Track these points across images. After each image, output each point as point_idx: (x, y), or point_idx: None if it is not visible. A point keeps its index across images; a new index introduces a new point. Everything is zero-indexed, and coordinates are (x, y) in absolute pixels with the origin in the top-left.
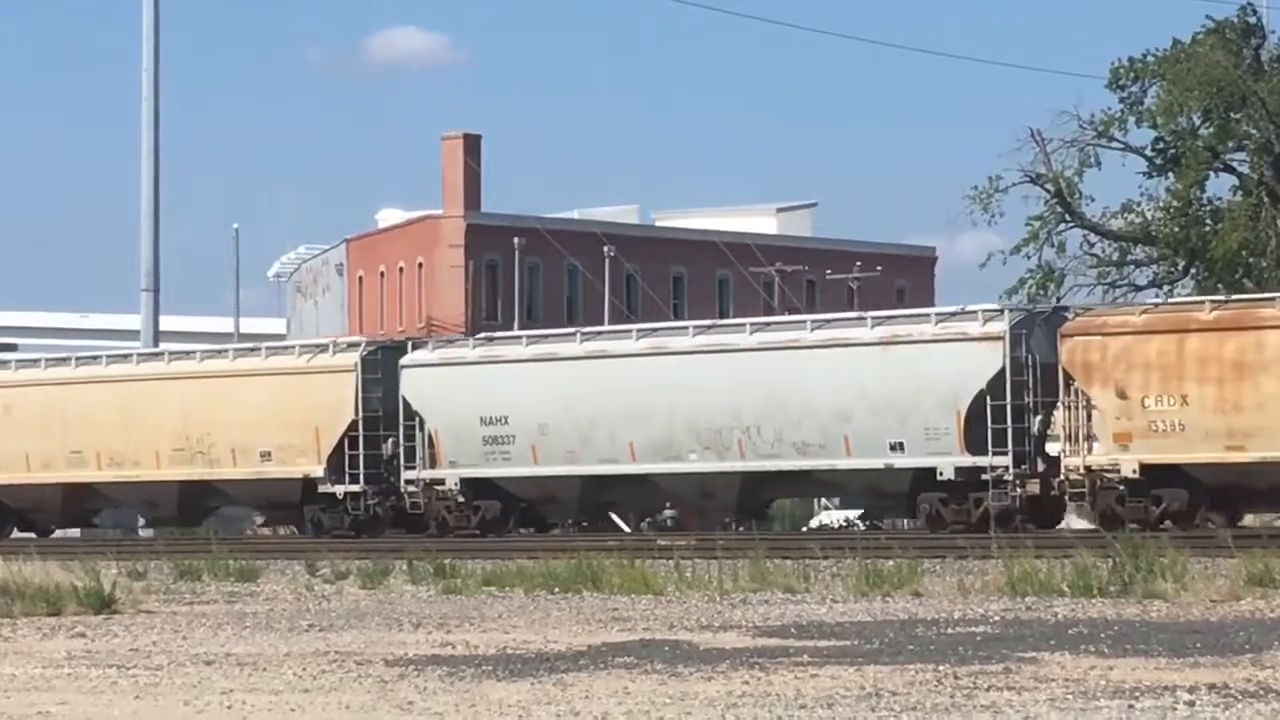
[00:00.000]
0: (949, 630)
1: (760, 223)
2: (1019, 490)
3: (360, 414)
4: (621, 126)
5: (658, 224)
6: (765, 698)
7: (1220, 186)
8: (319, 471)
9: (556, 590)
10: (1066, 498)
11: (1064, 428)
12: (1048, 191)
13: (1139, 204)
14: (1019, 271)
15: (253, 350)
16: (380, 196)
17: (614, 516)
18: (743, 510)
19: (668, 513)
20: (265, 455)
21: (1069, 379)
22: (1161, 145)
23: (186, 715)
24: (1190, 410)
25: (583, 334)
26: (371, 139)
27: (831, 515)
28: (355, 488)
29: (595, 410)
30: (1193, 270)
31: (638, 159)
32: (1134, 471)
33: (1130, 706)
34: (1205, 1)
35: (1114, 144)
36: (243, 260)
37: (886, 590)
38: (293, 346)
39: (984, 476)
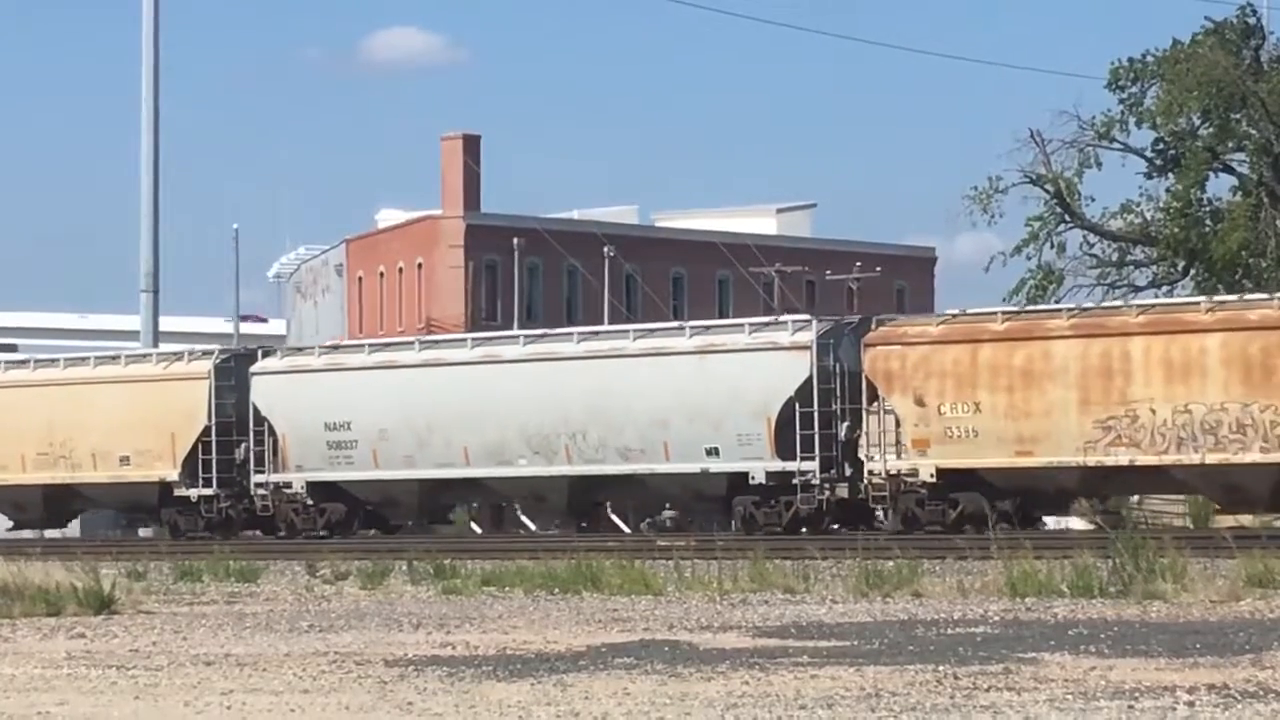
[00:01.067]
0: (949, 631)
1: (760, 223)
2: (827, 493)
3: (213, 420)
4: (621, 126)
5: (658, 224)
6: (765, 698)
7: (1220, 187)
8: (174, 476)
9: (556, 591)
10: (870, 501)
11: (867, 434)
12: (1047, 192)
13: (1139, 205)
14: (1019, 272)
15: (113, 358)
16: (380, 197)
17: (613, 517)
18: (572, 512)
19: (667, 513)
20: (124, 460)
21: (872, 387)
22: (1161, 146)
23: (186, 716)
24: (983, 417)
25: (420, 342)
26: (371, 139)
27: None
28: (209, 491)
29: (432, 416)
30: (1192, 271)
31: (638, 159)
32: (932, 476)
33: (1130, 707)
34: (1205, 2)
35: (1114, 145)
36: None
37: (886, 591)
38: (150, 354)
39: (794, 480)
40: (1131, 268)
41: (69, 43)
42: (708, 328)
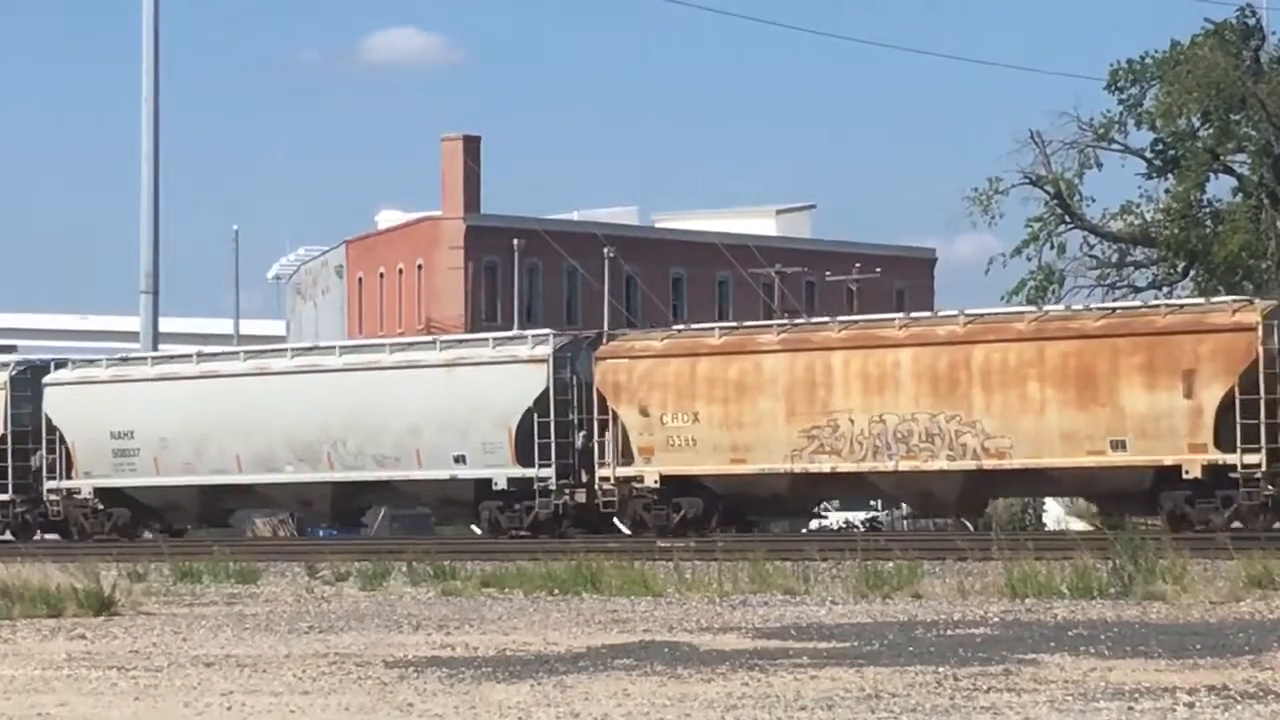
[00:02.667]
0: (949, 632)
1: (760, 224)
2: (564, 498)
3: (9, 429)
4: (621, 126)
5: (657, 225)
6: (765, 699)
7: (1220, 188)
8: None
9: (556, 592)
10: (601, 506)
11: (598, 442)
12: (1047, 193)
13: (1139, 206)
14: (1019, 273)
15: None
16: (380, 197)
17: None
18: (337, 518)
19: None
20: None
21: (602, 398)
22: (1161, 147)
23: (186, 717)
24: (701, 426)
25: (199, 356)
26: (371, 139)
27: (831, 516)
28: (5, 497)
29: (208, 425)
30: (1192, 272)
31: (638, 159)
32: (656, 482)
33: (1130, 708)
34: (1204, 3)
35: (1113, 146)
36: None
37: (886, 592)
38: None
39: (534, 486)
40: (1131, 269)
41: (69, 43)
42: (458, 341)
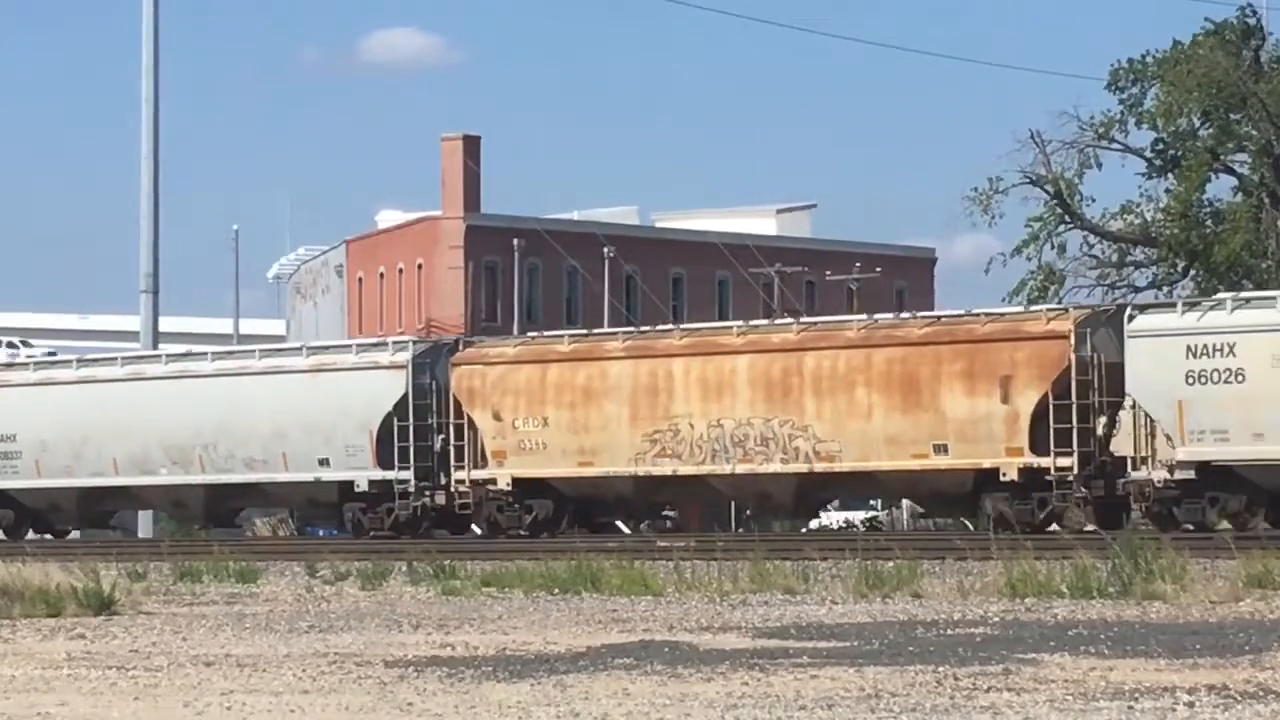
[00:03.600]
0: (949, 631)
1: (760, 224)
2: (424, 500)
3: None
4: (621, 126)
5: (657, 225)
6: (765, 699)
7: (1221, 188)
8: None
9: (556, 591)
10: (456, 508)
11: (453, 445)
12: (1047, 193)
13: (1139, 205)
14: (1019, 273)
15: None
16: (380, 197)
17: (618, 523)
18: (210, 519)
19: (667, 512)
20: None
21: (458, 403)
22: (1161, 147)
23: (186, 716)
24: (550, 430)
25: (79, 361)
26: (371, 139)
27: (831, 516)
28: None
29: (87, 429)
30: (1192, 271)
31: (638, 159)
32: (508, 484)
33: (1130, 708)
34: (1205, 2)
35: (1114, 145)
36: (242, 262)
37: (886, 591)
38: None
39: (394, 488)
40: (1132, 268)
41: (69, 43)
42: (323, 348)
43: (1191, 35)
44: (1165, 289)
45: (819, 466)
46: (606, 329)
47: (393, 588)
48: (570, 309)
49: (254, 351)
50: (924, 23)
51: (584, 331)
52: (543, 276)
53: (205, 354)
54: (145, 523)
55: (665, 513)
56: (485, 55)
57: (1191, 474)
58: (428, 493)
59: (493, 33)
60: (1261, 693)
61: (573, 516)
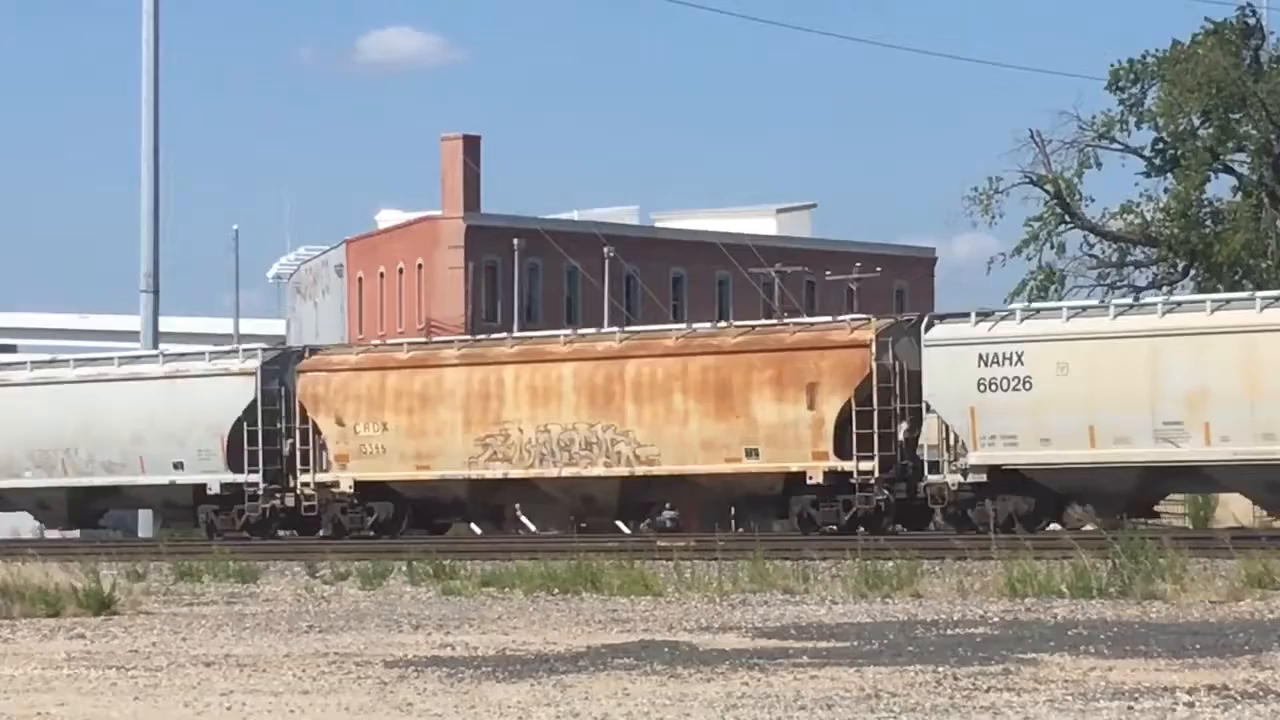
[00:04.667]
0: (948, 631)
1: (760, 223)
2: (274, 502)
3: None
4: (621, 126)
5: (657, 224)
6: (765, 699)
7: (1220, 188)
8: None
9: (556, 591)
10: (302, 510)
11: (299, 450)
12: (1047, 193)
13: (1139, 205)
14: (1019, 273)
15: None
16: (380, 197)
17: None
18: (74, 521)
19: (667, 514)
20: None
21: (304, 409)
22: (1161, 146)
23: (186, 716)
24: (390, 435)
25: None
26: (370, 139)
27: None
28: None
29: None
30: (1192, 271)
31: (638, 159)
32: (350, 487)
33: (1130, 708)
34: (1204, 2)
35: (1114, 145)
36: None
37: (886, 591)
38: None
39: (245, 491)
40: (1132, 268)
41: (69, 43)
42: (179, 356)
43: (1191, 35)
44: (1165, 288)
45: (639, 470)
46: (443, 338)
47: (392, 588)
48: (570, 309)
49: (113, 359)
50: (924, 23)
51: (422, 340)
52: (543, 276)
53: (68, 360)
54: (145, 523)
55: (666, 512)
56: (484, 55)
57: (984, 477)
58: (277, 495)
59: (491, 32)
60: (1261, 693)
61: (412, 518)
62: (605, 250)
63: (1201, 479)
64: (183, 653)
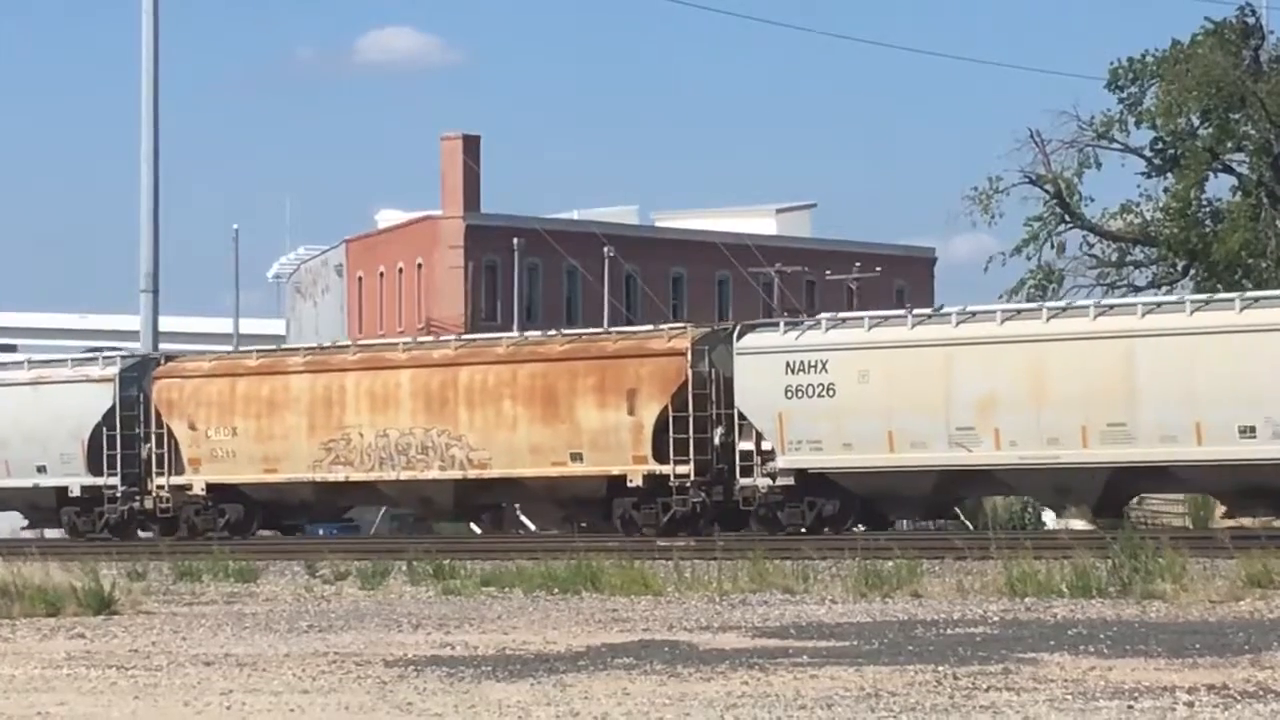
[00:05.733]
0: (948, 631)
1: (760, 223)
2: (132, 504)
3: None
4: (621, 126)
5: (657, 224)
6: (765, 698)
7: (1220, 187)
8: None
9: (556, 591)
10: (157, 511)
11: (154, 454)
12: (1047, 192)
13: (1138, 205)
14: (1018, 272)
15: None
16: (380, 197)
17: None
18: None
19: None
20: None
21: (160, 415)
22: (1161, 146)
23: (186, 716)
24: (240, 439)
25: None
26: (370, 139)
27: None
28: None
29: None
30: (1192, 271)
31: (638, 159)
32: (203, 489)
33: (1130, 707)
34: (1204, 2)
35: (1113, 145)
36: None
37: (886, 591)
38: None
39: (104, 493)
40: (1131, 268)
41: (69, 43)
42: (44, 362)
43: (1191, 35)
44: (1165, 288)
45: (472, 473)
46: (290, 346)
47: (392, 587)
48: (570, 309)
49: None
50: (924, 23)
51: (270, 348)
52: (543, 276)
53: None
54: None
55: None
56: (483, 55)
57: (791, 480)
58: (136, 498)
59: (490, 32)
60: (1261, 692)
61: (262, 519)
62: (605, 250)
63: (993, 482)
64: (183, 652)
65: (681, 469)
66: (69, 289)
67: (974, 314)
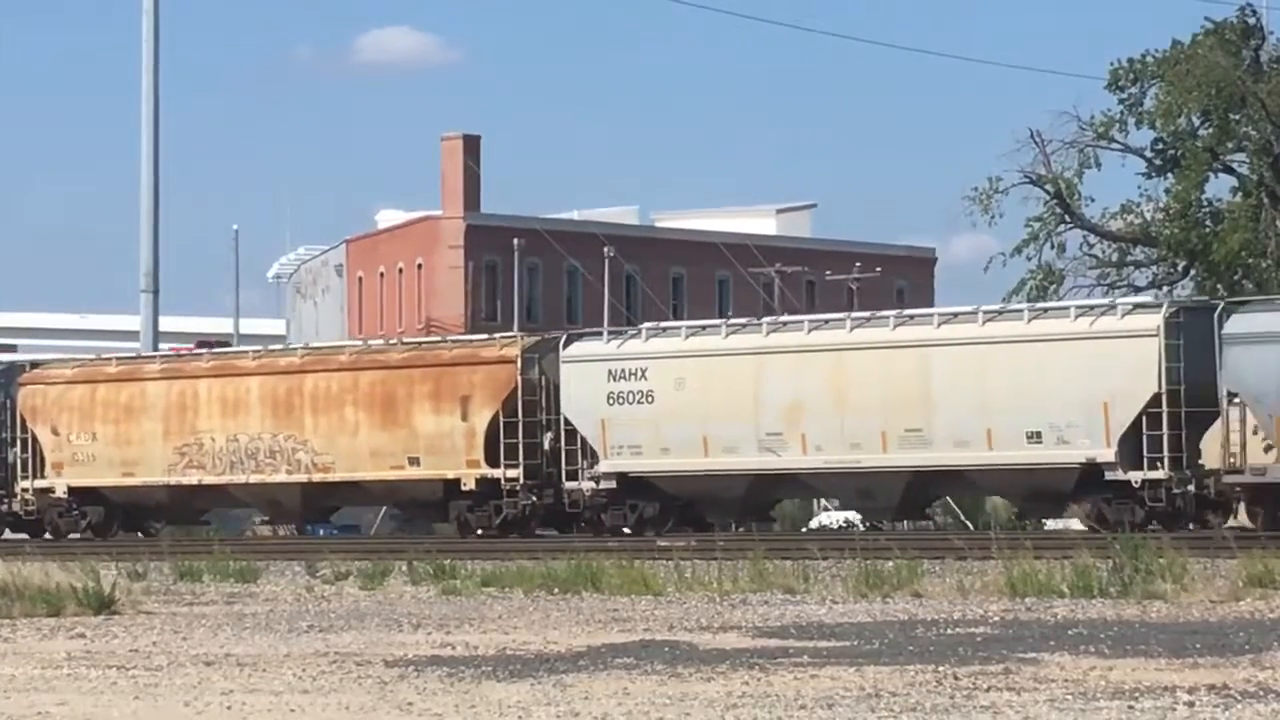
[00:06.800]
0: (949, 631)
1: (760, 223)
2: (1, 506)
3: None
4: (621, 126)
5: (657, 224)
6: (765, 698)
7: (1220, 188)
8: None
9: (556, 591)
10: (23, 514)
11: (19, 458)
12: (1047, 193)
13: (1138, 205)
14: (1019, 272)
15: None
16: (380, 197)
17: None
18: None
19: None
20: None
21: (24, 420)
22: (1161, 146)
23: (186, 716)
24: (99, 444)
25: None
26: (370, 139)
27: (831, 516)
28: None
29: None
30: (1192, 271)
31: (638, 159)
32: (65, 492)
33: (1130, 707)
34: (1204, 2)
35: (1113, 145)
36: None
37: (886, 591)
38: None
39: None
40: (1131, 268)
41: (69, 42)
42: None
43: (1191, 35)
44: (1165, 288)
45: (317, 476)
46: (148, 353)
47: (393, 587)
48: (570, 309)
49: None
50: (924, 22)
51: (131, 355)
52: (543, 276)
53: None
54: None
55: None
56: (482, 55)
57: (614, 484)
58: (3, 500)
59: (490, 32)
60: (1261, 692)
61: (122, 521)
62: (605, 250)
63: (802, 486)
64: (183, 652)
65: (512, 472)
66: (69, 289)
67: (784, 324)
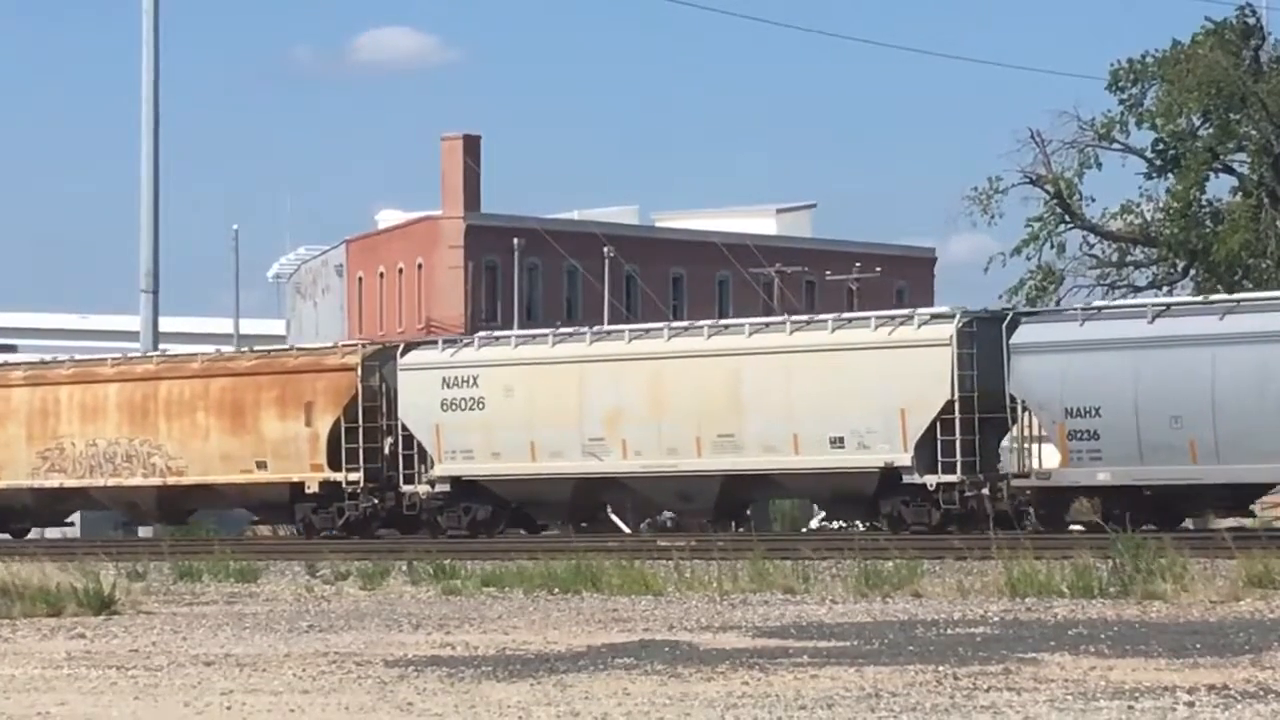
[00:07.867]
0: (949, 631)
1: (760, 223)
2: None
3: None
4: (621, 126)
5: (657, 225)
6: (765, 698)
7: (1220, 188)
8: None
9: (556, 591)
10: None
11: None
12: (1047, 193)
13: (1139, 205)
14: (1019, 272)
15: None
16: (380, 197)
17: (614, 518)
18: None
19: (667, 514)
20: None
21: None
22: (1161, 146)
23: (186, 716)
24: None
25: None
26: (370, 139)
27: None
28: None
29: None
30: (1192, 271)
31: (638, 159)
32: None
33: (1130, 707)
34: (1204, 2)
35: (1114, 145)
36: (242, 262)
37: (886, 591)
38: None
39: None
40: (1131, 268)
41: (69, 43)
42: None
43: (1191, 35)
44: (1165, 288)
45: (171, 480)
46: (14, 361)
47: (393, 587)
48: (570, 309)
49: None
50: (924, 23)
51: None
52: (543, 276)
53: None
54: None
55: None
56: (481, 55)
57: (448, 487)
58: None
59: (489, 32)
60: (1261, 692)
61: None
62: (605, 250)
63: (624, 489)
64: (183, 652)
65: (353, 476)
66: (69, 289)
67: (607, 333)
